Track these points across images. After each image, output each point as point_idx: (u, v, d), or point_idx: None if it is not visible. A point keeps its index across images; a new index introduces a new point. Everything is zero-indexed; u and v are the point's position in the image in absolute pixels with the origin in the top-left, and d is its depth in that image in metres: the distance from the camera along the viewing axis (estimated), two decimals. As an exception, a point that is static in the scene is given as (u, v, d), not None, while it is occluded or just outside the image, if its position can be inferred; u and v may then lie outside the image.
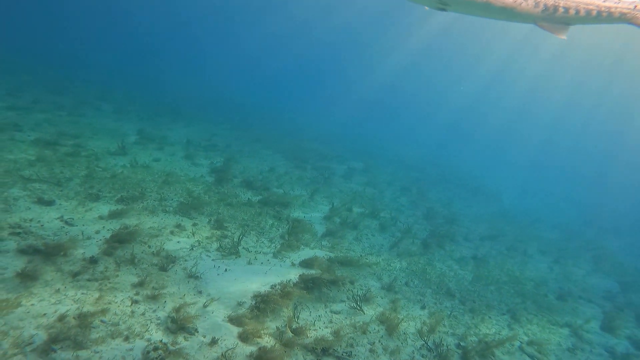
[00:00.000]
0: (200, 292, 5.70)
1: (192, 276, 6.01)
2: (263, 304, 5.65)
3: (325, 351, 5.14)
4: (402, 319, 6.46)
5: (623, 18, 3.94)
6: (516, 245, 12.94)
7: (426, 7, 4.51)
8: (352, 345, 5.51)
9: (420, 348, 5.98)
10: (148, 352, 4.23)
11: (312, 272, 6.96)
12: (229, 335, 4.93)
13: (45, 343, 3.99)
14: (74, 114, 14.43)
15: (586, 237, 17.11)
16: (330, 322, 5.95)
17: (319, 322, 5.85)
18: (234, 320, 5.23)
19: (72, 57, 30.78)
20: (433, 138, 40.58)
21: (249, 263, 6.98)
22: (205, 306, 5.36)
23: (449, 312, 7.34)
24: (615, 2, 3.90)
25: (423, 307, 7.27)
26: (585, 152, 55.66)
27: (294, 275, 6.75)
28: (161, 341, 4.47)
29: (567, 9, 3.79)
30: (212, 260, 6.73)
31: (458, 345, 6.34)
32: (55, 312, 4.49)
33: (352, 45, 72.95)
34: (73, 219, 6.80)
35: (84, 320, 4.43)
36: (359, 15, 55.60)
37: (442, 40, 58.73)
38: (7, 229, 5.89)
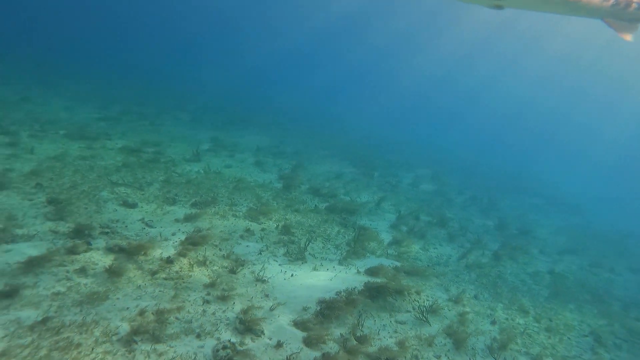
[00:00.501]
0: (267, 296, 5.87)
1: (260, 280, 6.21)
2: (328, 310, 5.69)
3: (389, 361, 5.07)
4: (471, 333, 6.20)
5: None
6: (601, 261, 11.93)
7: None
8: (417, 357, 5.38)
9: (490, 365, 5.70)
10: (217, 351, 4.43)
11: (378, 280, 6.90)
12: (294, 339, 5.02)
13: (128, 334, 4.32)
14: (155, 123, 15.54)
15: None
16: (395, 332, 5.85)
17: (383, 331, 5.78)
18: (299, 324, 5.32)
19: (156, 70, 33.16)
20: (504, 142, 38.63)
21: (315, 269, 7.07)
22: (271, 309, 5.51)
23: (522, 330, 6.92)
24: None
25: (493, 323, 6.93)
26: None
27: (359, 282, 6.73)
28: (230, 341, 4.65)
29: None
30: (279, 265, 6.91)
31: (532, 366, 5.96)
32: (137, 306, 4.85)
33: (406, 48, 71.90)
34: (152, 221, 7.31)
35: (161, 316, 4.74)
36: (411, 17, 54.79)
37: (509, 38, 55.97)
38: (98, 229, 6.47)
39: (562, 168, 33.07)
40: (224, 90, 30.40)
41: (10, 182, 7.43)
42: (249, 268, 6.49)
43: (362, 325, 5.72)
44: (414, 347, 5.58)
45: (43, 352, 3.84)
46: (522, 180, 22.67)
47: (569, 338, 7.11)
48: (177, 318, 4.85)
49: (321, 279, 6.74)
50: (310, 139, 19.74)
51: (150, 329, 4.46)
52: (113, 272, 5.36)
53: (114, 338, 4.26)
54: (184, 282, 5.64)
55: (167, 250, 6.37)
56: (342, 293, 6.21)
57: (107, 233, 6.46)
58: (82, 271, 5.30)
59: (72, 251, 5.66)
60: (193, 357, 4.27)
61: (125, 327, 4.44)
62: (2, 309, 4.31)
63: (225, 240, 7.26)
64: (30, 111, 13.08)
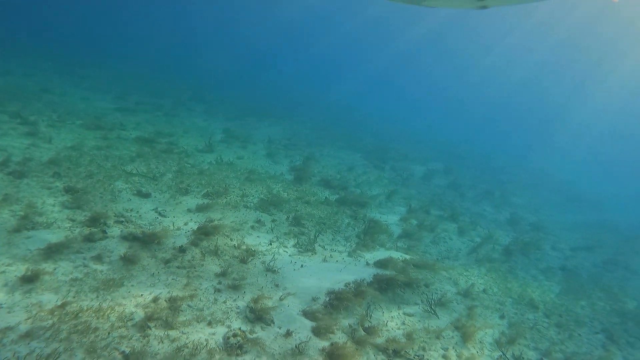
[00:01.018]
0: (277, 286, 5.97)
1: (270, 270, 6.31)
2: (337, 301, 5.77)
3: (396, 352, 5.14)
4: (479, 327, 6.24)
5: None
6: (616, 259, 11.79)
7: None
8: (424, 349, 5.44)
9: (497, 359, 5.73)
10: (228, 338, 4.55)
11: (387, 272, 6.96)
12: (303, 329, 5.11)
13: (143, 320, 4.45)
14: (169, 114, 15.72)
15: None
16: (403, 324, 5.92)
17: (391, 323, 5.85)
18: (308, 314, 5.41)
19: (173, 63, 33.37)
20: (521, 138, 38.13)
21: (325, 260, 7.15)
22: (281, 299, 5.61)
23: (531, 325, 6.93)
24: None
25: (502, 317, 6.94)
26: None
27: (368, 274, 6.80)
28: (240, 329, 4.77)
29: None
30: (289, 255, 7.01)
31: (540, 360, 5.98)
32: (151, 293, 4.99)
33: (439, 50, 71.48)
34: (165, 210, 7.46)
35: (173, 303, 4.87)
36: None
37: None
38: (113, 217, 6.63)
39: (579, 165, 32.56)
40: (238, 83, 30.52)
41: (30, 170, 7.63)
42: (260, 258, 6.60)
43: (371, 317, 5.80)
44: (422, 339, 5.64)
45: (63, 335, 4.00)
46: (537, 176, 22.41)
47: (579, 334, 7.10)
48: (189, 305, 4.98)
49: (331, 270, 6.82)
50: (323, 132, 19.76)
51: (163, 316, 4.59)
52: (128, 260, 5.51)
53: (129, 323, 4.40)
54: (196, 271, 5.77)
55: (180, 239, 6.50)
56: (351, 284, 6.29)
57: (121, 222, 6.61)
58: (98, 258, 5.45)
59: (88, 239, 5.82)
60: (205, 344, 4.39)
61: (139, 313, 4.58)
62: (25, 292, 4.48)
63: (236, 231, 7.37)
64: (49, 101, 13.33)
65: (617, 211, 19.68)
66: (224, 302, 5.25)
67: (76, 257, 5.39)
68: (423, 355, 5.30)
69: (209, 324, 4.75)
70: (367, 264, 7.40)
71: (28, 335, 3.90)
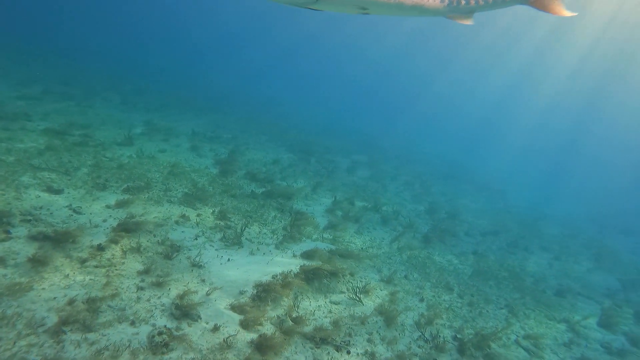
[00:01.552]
0: (203, 281, 5.87)
1: (196, 265, 6.19)
2: (264, 293, 5.81)
3: (324, 340, 5.31)
4: (401, 311, 6.61)
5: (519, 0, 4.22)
6: (518, 242, 13.03)
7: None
8: (350, 335, 5.67)
9: (417, 339, 6.13)
10: (153, 337, 4.41)
11: (313, 263, 7.12)
12: (231, 323, 5.10)
13: (56, 325, 4.17)
14: (83, 105, 14.63)
15: (590, 234, 17.15)
16: (330, 312, 6.11)
17: (318, 311, 6.01)
18: (235, 308, 5.40)
19: (82, 47, 30.97)
20: (442, 134, 40.46)
21: (252, 253, 7.15)
22: (208, 294, 5.54)
23: (447, 305, 7.48)
24: None
25: (421, 300, 7.42)
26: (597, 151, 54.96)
27: (295, 266, 6.91)
28: (165, 326, 4.64)
29: (468, 1, 4.03)
30: (216, 250, 6.91)
31: (455, 338, 6.48)
32: (65, 296, 4.68)
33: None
34: (81, 207, 6.99)
35: (92, 304, 4.62)
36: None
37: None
38: (19, 216, 6.08)
39: (488, 155, 35.27)
40: (157, 72, 29.11)
41: None
42: (185, 254, 6.44)
43: (298, 307, 5.91)
44: (348, 325, 5.87)
45: (-40, 347, 3.64)
46: (453, 167, 23.96)
47: (487, 311, 7.79)
48: (109, 306, 4.74)
49: (258, 263, 6.84)
50: (248, 124, 19.54)
51: (80, 319, 4.34)
52: (37, 262, 5.10)
53: (40, 330, 4.11)
54: (116, 270, 5.50)
55: (98, 237, 6.14)
56: (279, 276, 6.36)
57: (29, 221, 6.09)
58: (1, 262, 4.99)
59: (-11, 240, 5.31)
60: (127, 345, 4.23)
61: (52, 318, 4.29)
62: None
63: (159, 226, 7.11)
64: None
65: (519, 198, 21.65)
66: (148, 300, 5.08)
67: (-24, 260, 4.90)
68: (349, 341, 5.53)
69: (132, 323, 4.57)
70: (294, 255, 7.51)
71: None
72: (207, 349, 4.53)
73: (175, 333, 4.59)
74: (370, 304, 6.66)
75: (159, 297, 5.19)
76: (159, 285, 5.41)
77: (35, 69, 18.43)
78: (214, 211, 8.42)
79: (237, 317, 5.23)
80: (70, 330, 4.20)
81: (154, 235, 6.74)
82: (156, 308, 4.96)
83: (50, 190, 7.25)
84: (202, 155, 12.59)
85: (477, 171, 25.66)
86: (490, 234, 13.15)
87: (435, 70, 76.06)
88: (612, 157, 50.66)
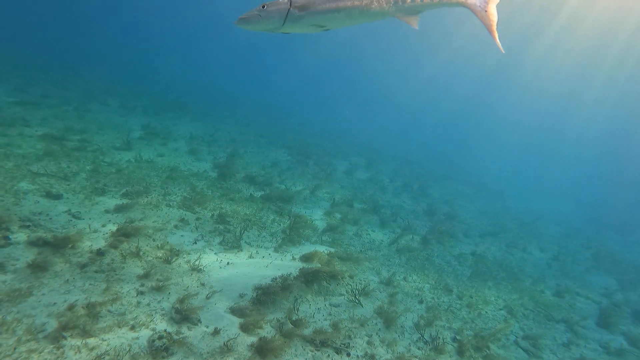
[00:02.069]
0: (203, 285, 5.89)
1: (196, 269, 6.20)
2: (264, 296, 5.82)
3: (323, 342, 5.32)
4: (400, 313, 6.63)
5: (461, 3, 4.34)
6: (516, 242, 13.07)
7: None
8: (350, 337, 5.68)
9: (416, 341, 6.15)
10: (153, 341, 4.42)
11: (312, 266, 7.14)
12: (231, 326, 5.11)
13: (56, 330, 4.18)
14: (81, 109, 14.63)
15: (588, 234, 17.23)
16: (330, 314, 6.12)
17: (318, 314, 6.03)
18: (235, 311, 5.41)
19: (80, 52, 30.99)
20: (437, 135, 40.56)
21: (251, 257, 7.16)
22: (208, 298, 5.55)
23: (446, 307, 7.50)
24: None
25: (421, 302, 7.44)
26: (594, 151, 55.27)
27: (294, 268, 6.92)
28: (166, 330, 4.66)
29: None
30: (215, 253, 6.92)
31: (454, 339, 6.51)
32: (65, 301, 4.69)
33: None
34: (80, 212, 7.00)
35: (92, 309, 4.62)
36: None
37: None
38: (18, 222, 6.09)
39: (487, 156, 35.37)
40: (156, 76, 29.14)
41: None
42: (184, 258, 6.45)
43: (298, 310, 5.93)
44: (348, 328, 5.89)
45: (-39, 353, 3.65)
46: (451, 168, 24.03)
47: (486, 312, 7.81)
48: (109, 311, 4.75)
49: (257, 266, 6.85)
50: (246, 127, 19.57)
51: (80, 324, 4.35)
52: (37, 267, 5.11)
53: (40, 335, 4.12)
54: (116, 274, 5.51)
55: (97, 242, 6.15)
56: (278, 279, 6.38)
57: (28, 226, 6.10)
58: (0, 268, 5.00)
59: (-11, 246, 5.32)
60: (127, 349, 4.24)
61: (52, 323, 4.29)
62: None
63: (159, 231, 7.13)
64: None
65: (517, 199, 21.73)
66: (148, 304, 5.09)
67: (-25, 266, 4.90)
68: (349, 343, 5.54)
69: (132, 328, 4.58)
70: (293, 258, 7.53)
71: None
72: (208, 353, 4.54)
73: (175, 337, 4.60)
74: (369, 306, 6.68)
75: (159, 302, 5.20)
76: (158, 289, 5.42)
77: (33, 73, 18.43)
78: (212, 215, 8.43)
79: (237, 321, 5.24)
80: (71, 336, 4.20)
81: (153, 240, 6.75)
82: (156, 312, 4.97)
83: (49, 195, 7.25)
84: (201, 158, 12.60)
85: (475, 172, 25.74)
86: (489, 234, 13.19)
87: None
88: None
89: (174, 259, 6.28)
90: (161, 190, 8.97)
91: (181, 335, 4.67)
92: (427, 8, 4.33)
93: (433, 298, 7.74)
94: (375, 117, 42.61)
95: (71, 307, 4.59)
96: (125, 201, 7.86)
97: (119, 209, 7.45)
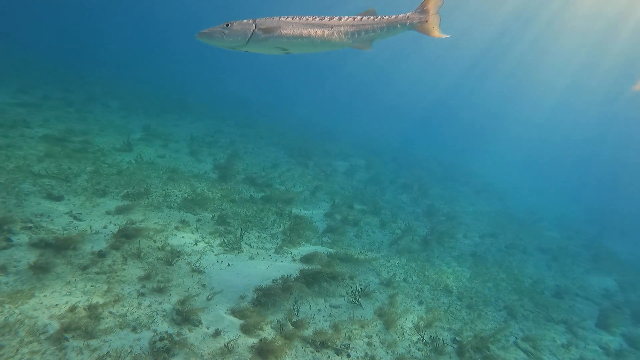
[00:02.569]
0: (204, 286, 5.91)
1: (196, 270, 6.23)
2: (264, 298, 5.85)
3: (324, 344, 5.35)
4: (400, 314, 6.66)
5: (407, 27, 4.72)
6: (516, 243, 13.08)
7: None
8: (350, 339, 5.71)
9: (416, 342, 6.17)
10: (154, 342, 4.45)
11: (313, 267, 7.16)
12: (232, 327, 5.14)
13: (58, 332, 4.21)
14: (82, 111, 14.67)
15: (588, 236, 17.22)
16: (330, 315, 6.15)
17: (318, 315, 6.06)
18: (236, 312, 5.44)
19: (82, 53, 31.04)
20: (434, 133, 40.59)
21: (251, 258, 7.19)
22: (208, 299, 5.58)
23: (446, 308, 7.53)
24: (394, 17, 4.67)
25: (421, 303, 7.46)
26: (595, 153, 55.23)
27: (294, 270, 6.95)
28: (167, 332, 4.68)
29: (367, 32, 4.62)
30: (216, 255, 6.95)
31: (454, 340, 6.53)
32: (67, 303, 4.72)
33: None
34: (81, 214, 7.03)
35: (93, 311, 4.66)
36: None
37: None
38: (19, 223, 6.13)
39: (487, 158, 35.39)
40: (156, 77, 29.19)
41: None
42: (185, 259, 6.48)
43: (298, 311, 5.96)
44: (348, 329, 5.91)
45: (-36, 354, 3.68)
46: (451, 169, 24.02)
47: (486, 313, 7.83)
48: (111, 312, 4.78)
49: (258, 267, 6.88)
50: (246, 129, 19.60)
51: (82, 325, 4.38)
52: (39, 269, 5.15)
53: (42, 337, 4.15)
54: (117, 276, 5.54)
55: (99, 243, 6.19)
56: (278, 280, 6.41)
57: (30, 228, 6.13)
58: (2, 269, 5.03)
59: (-9, 248, 5.35)
60: (129, 351, 4.27)
61: (54, 325, 4.32)
62: None
63: (159, 232, 7.15)
64: None
65: (517, 200, 21.74)
66: (149, 306, 5.11)
67: (-23, 268, 4.93)
68: (349, 344, 5.57)
69: (133, 329, 4.61)
70: (294, 259, 7.55)
71: None
72: (209, 354, 4.57)
73: (176, 338, 4.63)
74: (369, 307, 6.70)
75: (160, 303, 5.23)
76: (159, 291, 5.45)
77: (35, 75, 18.47)
78: (213, 216, 8.46)
79: (238, 322, 5.27)
80: (72, 337, 4.23)
81: (154, 241, 6.78)
82: (157, 314, 5.00)
83: (51, 197, 7.29)
84: (201, 160, 12.64)
85: (475, 173, 25.75)
86: (488, 235, 13.20)
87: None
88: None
89: (174, 260, 6.31)
90: (162, 192, 9.00)
91: (182, 337, 4.70)
92: (378, 38, 4.71)
93: (433, 299, 7.76)
94: (375, 118, 42.61)
95: (73, 309, 4.62)
96: (126, 202, 7.89)
97: (119, 211, 7.48)
